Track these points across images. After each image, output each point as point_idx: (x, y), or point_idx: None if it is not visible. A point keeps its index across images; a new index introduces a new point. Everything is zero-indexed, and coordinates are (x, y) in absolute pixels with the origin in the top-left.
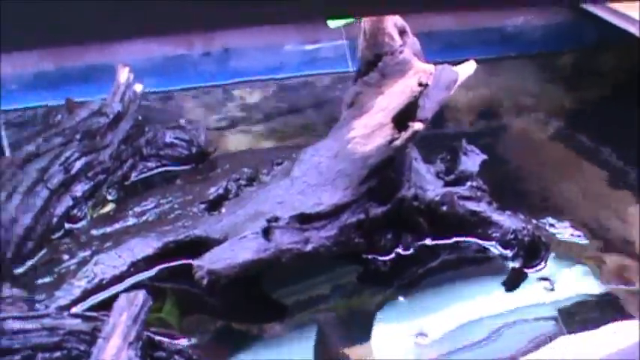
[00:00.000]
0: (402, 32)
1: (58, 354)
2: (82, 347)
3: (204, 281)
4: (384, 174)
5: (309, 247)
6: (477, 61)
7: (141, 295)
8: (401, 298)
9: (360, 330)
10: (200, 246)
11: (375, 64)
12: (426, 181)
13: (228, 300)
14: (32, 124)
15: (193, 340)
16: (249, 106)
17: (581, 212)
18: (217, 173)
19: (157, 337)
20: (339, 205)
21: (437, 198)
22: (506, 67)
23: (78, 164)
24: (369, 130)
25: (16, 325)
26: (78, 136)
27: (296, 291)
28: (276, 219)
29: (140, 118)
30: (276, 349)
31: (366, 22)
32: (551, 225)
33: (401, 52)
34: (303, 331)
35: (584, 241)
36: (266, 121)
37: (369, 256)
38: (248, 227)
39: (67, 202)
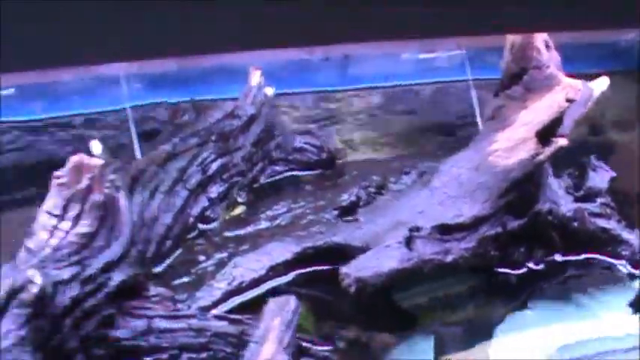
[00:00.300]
0: (546, 46)
1: (204, 355)
2: (229, 350)
3: (352, 289)
4: (524, 188)
5: (449, 258)
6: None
7: (292, 300)
8: (529, 312)
9: (485, 341)
10: (338, 253)
11: (520, 78)
12: (558, 196)
13: (360, 307)
14: (158, 122)
15: (330, 347)
16: (368, 113)
17: None
18: (345, 180)
19: (304, 343)
20: (479, 217)
21: (569, 213)
22: (615, 81)
23: (214, 166)
24: (511, 143)
25: (164, 324)
26: (213, 138)
27: (424, 300)
28: (418, 229)
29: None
30: (405, 356)
31: (514, 36)
32: None
33: (548, 67)
34: (432, 339)
35: None
36: (385, 129)
37: (500, 269)
38: (389, 236)
39: (202, 202)
